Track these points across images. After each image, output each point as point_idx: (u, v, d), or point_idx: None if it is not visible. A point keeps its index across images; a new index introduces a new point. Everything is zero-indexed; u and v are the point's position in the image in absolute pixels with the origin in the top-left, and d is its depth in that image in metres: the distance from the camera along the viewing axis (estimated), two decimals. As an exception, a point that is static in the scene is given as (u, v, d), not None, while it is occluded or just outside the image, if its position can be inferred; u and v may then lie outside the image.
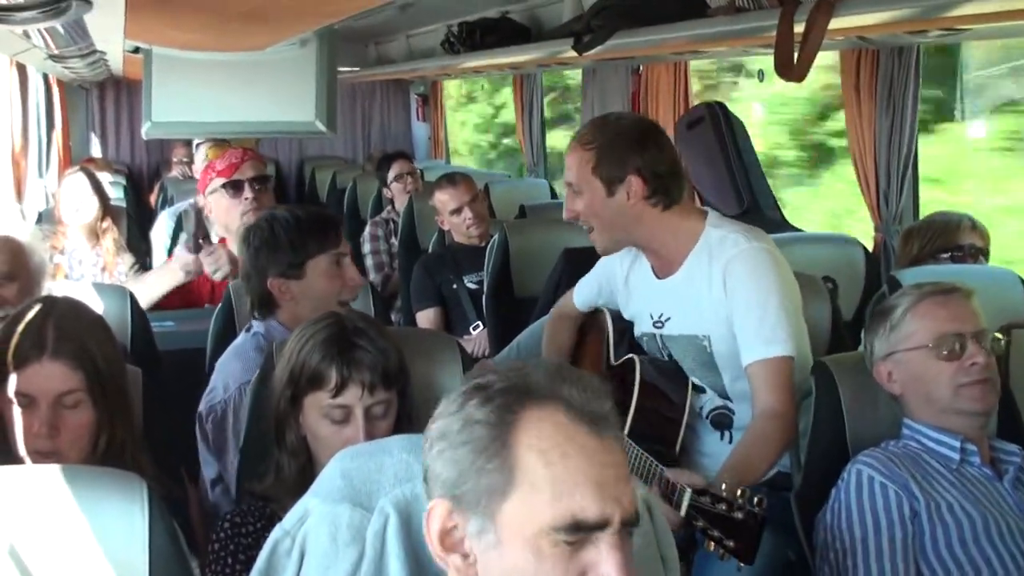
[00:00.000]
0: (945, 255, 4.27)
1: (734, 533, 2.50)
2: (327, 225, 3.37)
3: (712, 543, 2.53)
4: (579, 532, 1.52)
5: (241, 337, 3.38)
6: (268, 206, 4.44)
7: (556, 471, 1.53)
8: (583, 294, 3.60)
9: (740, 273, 3.04)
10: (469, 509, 1.58)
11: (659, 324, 3.23)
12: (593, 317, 3.61)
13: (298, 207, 3.49)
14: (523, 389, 1.58)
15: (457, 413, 1.61)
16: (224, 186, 4.47)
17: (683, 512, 2.57)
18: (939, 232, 4.34)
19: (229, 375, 3.22)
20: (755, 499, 2.50)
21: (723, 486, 2.54)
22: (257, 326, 3.33)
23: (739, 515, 2.49)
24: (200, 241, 4.45)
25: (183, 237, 4.38)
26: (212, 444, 3.19)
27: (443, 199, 5.76)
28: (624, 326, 3.43)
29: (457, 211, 5.70)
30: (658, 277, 3.24)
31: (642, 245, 3.22)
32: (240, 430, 3.11)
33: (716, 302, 3.08)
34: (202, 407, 3.23)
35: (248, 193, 4.44)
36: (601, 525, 1.52)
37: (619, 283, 3.40)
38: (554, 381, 1.58)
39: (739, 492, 2.51)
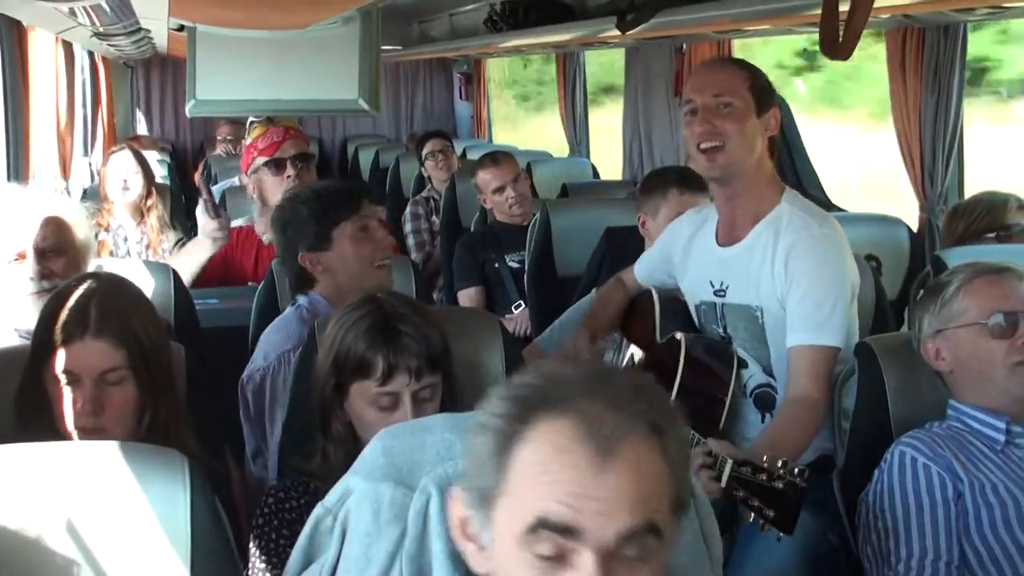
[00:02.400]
0: (991, 235, 4.22)
1: (774, 503, 2.51)
2: (347, 193, 3.42)
3: (752, 513, 2.54)
4: (542, 531, 1.47)
5: (286, 310, 3.41)
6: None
7: (540, 482, 1.50)
8: (644, 266, 3.65)
9: (804, 258, 3.07)
10: (474, 506, 1.58)
11: (720, 292, 3.26)
12: (641, 298, 3.62)
13: (319, 183, 3.57)
14: (544, 398, 1.54)
15: (485, 411, 1.59)
16: (266, 164, 4.49)
17: (724, 482, 2.59)
18: (985, 211, 4.30)
19: (270, 345, 3.26)
20: (796, 470, 2.51)
21: (764, 457, 2.56)
22: (301, 300, 3.37)
23: (779, 484, 2.51)
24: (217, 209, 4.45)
25: (200, 205, 4.39)
26: (252, 412, 3.21)
27: (485, 178, 5.77)
28: (673, 307, 3.43)
29: (500, 190, 5.71)
30: (721, 245, 3.27)
31: (738, 191, 3.22)
32: (276, 400, 3.14)
33: (775, 279, 3.11)
34: (243, 375, 3.27)
35: (290, 171, 4.46)
36: (568, 531, 1.47)
37: (679, 248, 3.43)
38: (581, 391, 1.53)
39: (780, 463, 2.53)
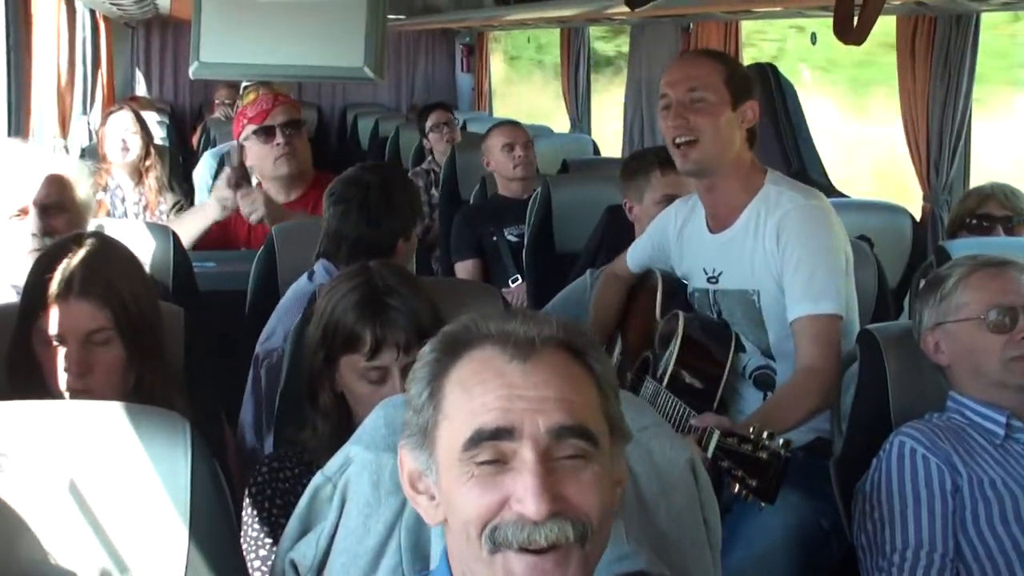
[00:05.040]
0: (973, 221, 4.21)
1: (757, 473, 2.52)
2: None
3: (736, 484, 2.55)
4: (481, 442, 1.50)
5: (303, 282, 3.36)
6: (302, 151, 4.45)
7: (472, 396, 1.54)
8: (636, 254, 3.62)
9: (794, 229, 3.07)
10: (418, 447, 1.60)
11: (713, 279, 3.25)
12: (644, 279, 3.61)
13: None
14: (468, 334, 1.60)
15: (416, 363, 1.65)
16: (255, 132, 4.47)
17: (710, 453, 2.60)
18: (963, 200, 4.31)
19: (291, 323, 3.21)
20: (781, 441, 2.51)
21: (751, 428, 2.57)
22: (321, 274, 3.32)
23: (763, 455, 2.52)
24: (238, 181, 4.44)
25: (225, 172, 4.38)
26: (264, 389, 3.19)
27: (497, 136, 5.82)
28: (674, 287, 3.42)
29: (509, 147, 5.75)
30: (712, 231, 3.26)
31: (716, 182, 3.21)
32: None
33: (768, 256, 3.10)
34: (259, 349, 3.25)
35: (279, 139, 4.44)
36: (503, 432, 1.50)
37: (672, 238, 3.42)
38: (492, 323, 1.60)
39: (765, 434, 2.53)
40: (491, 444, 1.51)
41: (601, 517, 1.53)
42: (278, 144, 4.43)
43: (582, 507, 1.51)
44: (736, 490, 2.56)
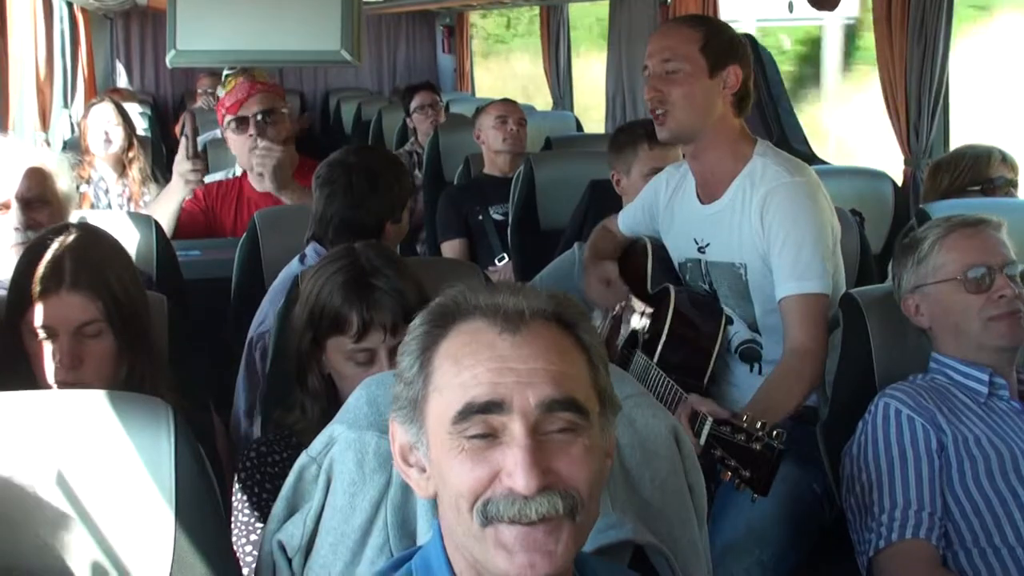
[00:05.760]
0: (975, 188, 4.21)
1: (750, 464, 2.50)
2: None
3: (728, 473, 2.54)
4: (471, 416, 1.51)
5: (294, 265, 3.37)
6: (281, 139, 4.41)
7: (462, 369, 1.54)
8: (627, 219, 3.62)
9: (778, 207, 3.05)
10: (408, 420, 1.60)
11: (703, 250, 3.24)
12: (633, 249, 3.61)
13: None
14: (457, 308, 1.60)
15: (406, 337, 1.64)
16: (230, 123, 4.44)
17: (703, 440, 2.59)
18: (969, 165, 4.29)
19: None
20: (775, 432, 2.49)
21: (744, 418, 2.55)
22: (312, 256, 3.32)
23: (757, 446, 2.49)
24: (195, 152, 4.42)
25: (181, 144, 4.36)
26: (258, 371, 3.19)
27: (492, 109, 5.85)
28: (664, 258, 3.42)
29: (502, 119, 5.77)
30: (702, 203, 3.25)
31: (700, 150, 3.20)
32: None
33: (753, 232, 3.09)
34: (253, 333, 3.25)
35: (253, 129, 4.39)
36: (493, 406, 1.50)
37: (661, 207, 3.41)
38: (481, 296, 1.60)
39: (759, 424, 2.51)
40: (481, 418, 1.51)
41: (591, 490, 1.53)
42: (251, 135, 4.39)
43: (571, 481, 1.51)
44: (728, 478, 2.55)
